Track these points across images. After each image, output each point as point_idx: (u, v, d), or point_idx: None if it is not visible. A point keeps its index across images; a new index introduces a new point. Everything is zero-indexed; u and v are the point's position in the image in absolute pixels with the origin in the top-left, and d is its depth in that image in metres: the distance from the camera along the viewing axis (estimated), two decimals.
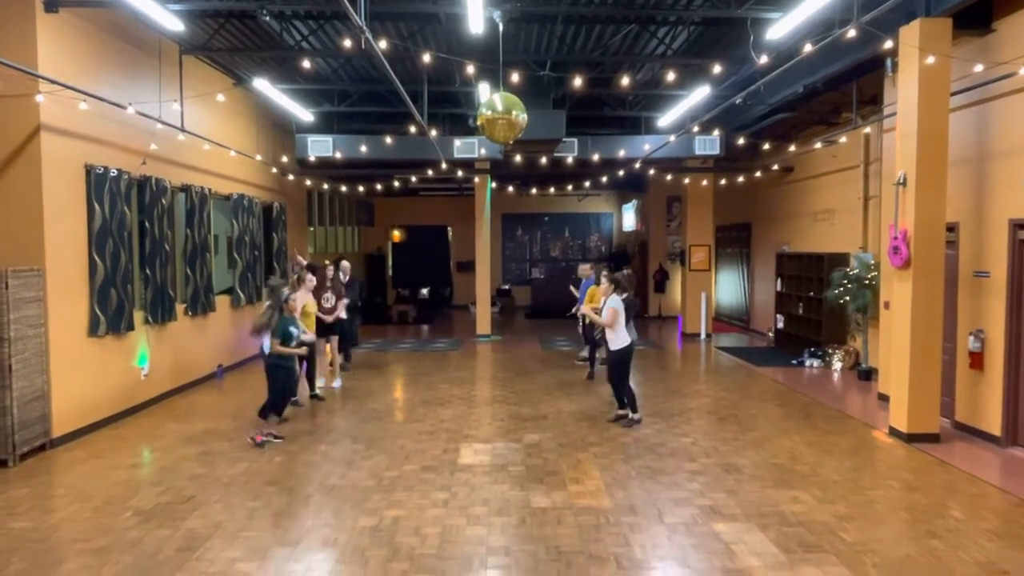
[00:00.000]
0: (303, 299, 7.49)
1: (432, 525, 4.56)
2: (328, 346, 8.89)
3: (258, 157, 10.68)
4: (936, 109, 6.21)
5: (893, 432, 6.59)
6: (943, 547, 4.24)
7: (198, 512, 4.80)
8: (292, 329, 6.46)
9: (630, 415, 6.91)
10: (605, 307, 6.97)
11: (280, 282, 7.37)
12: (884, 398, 7.71)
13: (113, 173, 7.05)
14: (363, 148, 11.38)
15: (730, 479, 5.43)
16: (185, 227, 8.84)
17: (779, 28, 6.30)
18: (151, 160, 7.81)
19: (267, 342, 6.56)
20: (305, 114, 10.05)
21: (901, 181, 6.42)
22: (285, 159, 12.06)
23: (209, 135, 8.91)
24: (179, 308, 8.59)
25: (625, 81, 8.65)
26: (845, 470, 5.63)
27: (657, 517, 4.68)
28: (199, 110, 8.85)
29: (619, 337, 6.86)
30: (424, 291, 18.87)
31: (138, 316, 7.66)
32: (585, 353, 10.32)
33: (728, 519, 4.63)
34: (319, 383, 8.42)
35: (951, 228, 6.76)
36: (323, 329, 8.43)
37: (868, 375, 9.22)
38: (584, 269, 10.76)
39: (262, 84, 8.22)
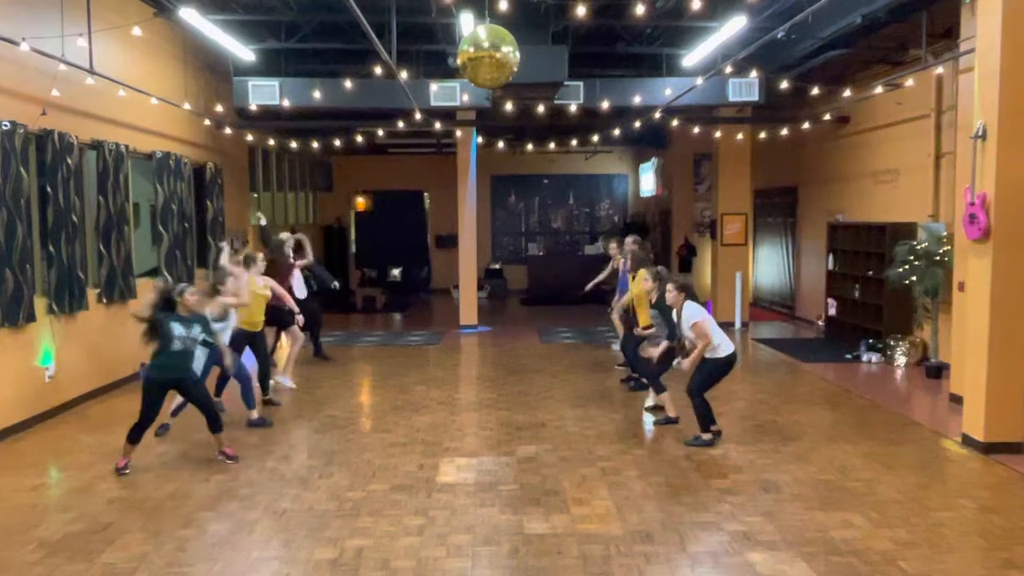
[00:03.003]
0: (243, 283, 7.52)
1: (404, 557, 4.60)
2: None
3: (187, 106, 10.60)
4: (1023, 44, 6.21)
5: (967, 441, 6.67)
6: None
7: (118, 543, 4.81)
8: (176, 330, 6.09)
9: (700, 435, 6.80)
10: (687, 320, 6.72)
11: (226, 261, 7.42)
12: (957, 400, 7.78)
13: (5, 126, 6.98)
14: (317, 94, 11.30)
15: (768, 499, 5.49)
16: (97, 193, 8.79)
17: None
18: (53, 110, 7.73)
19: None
20: (245, 52, 9.95)
21: (980, 133, 6.43)
22: (221, 108, 11.98)
23: (125, 78, 8.83)
24: (91, 294, 8.57)
25: (641, 9, 8.59)
26: (908, 488, 5.70)
27: (678, 545, 4.73)
28: (112, 47, 8.76)
29: (723, 344, 6.78)
30: (395, 272, 18.90)
31: (40, 304, 7.63)
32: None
33: (765, 547, 4.69)
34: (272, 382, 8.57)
35: None
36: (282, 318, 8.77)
37: (938, 372, 9.31)
38: (628, 246, 9.81)
39: (190, 14, 8.12)
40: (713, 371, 6.80)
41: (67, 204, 7.96)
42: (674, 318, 7.03)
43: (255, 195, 14.79)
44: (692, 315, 6.74)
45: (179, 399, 6.83)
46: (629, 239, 10.02)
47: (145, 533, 4.95)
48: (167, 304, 6.15)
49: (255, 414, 7.45)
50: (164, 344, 6.05)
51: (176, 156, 10.51)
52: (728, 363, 6.83)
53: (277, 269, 9.39)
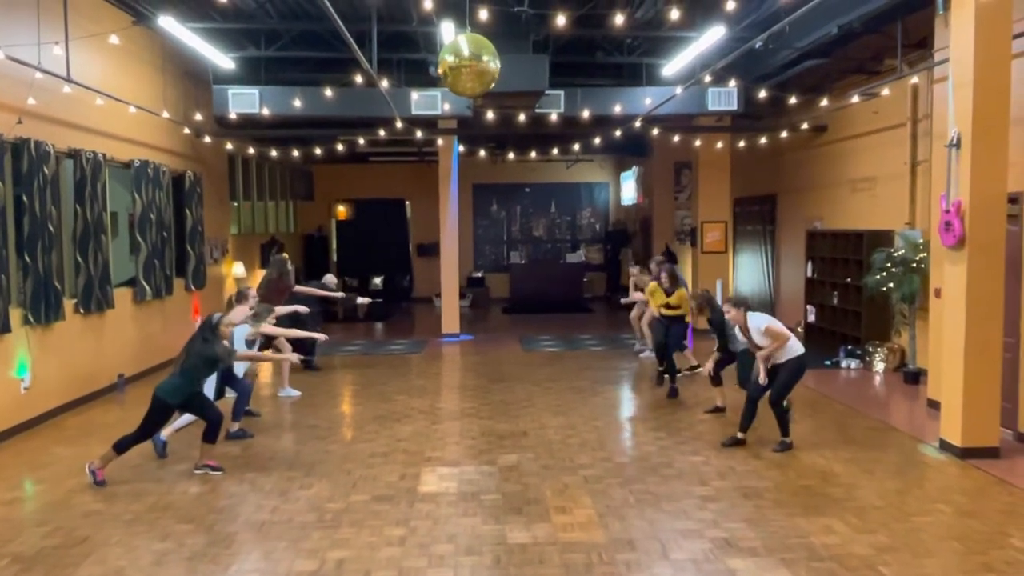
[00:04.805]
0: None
1: (386, 568, 4.57)
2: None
3: (165, 114, 10.53)
4: (995, 55, 6.31)
5: (944, 446, 6.73)
6: None
7: (94, 557, 4.75)
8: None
9: (783, 440, 6.86)
10: (757, 330, 6.76)
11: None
12: (935, 405, 7.86)
13: None
14: (297, 103, 11.26)
15: (749, 505, 5.51)
16: (74, 202, 8.70)
17: None
18: (29, 118, 7.65)
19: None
20: (224, 60, 9.90)
21: (954, 142, 6.51)
22: (200, 117, 11.91)
23: (103, 86, 8.76)
24: (68, 304, 8.47)
25: (620, 19, 8.64)
26: (887, 493, 5.75)
27: (661, 553, 4.74)
28: (89, 55, 8.70)
29: (793, 345, 6.81)
30: (377, 281, 18.84)
31: (15, 315, 7.54)
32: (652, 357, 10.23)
33: (746, 554, 4.70)
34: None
35: (1014, 199, 6.88)
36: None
37: (916, 378, 9.40)
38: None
39: (168, 22, 8.08)
40: (796, 371, 6.81)
41: (43, 213, 7.87)
42: (735, 333, 7.23)
43: (235, 204, 14.70)
44: (759, 322, 6.81)
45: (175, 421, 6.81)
46: (655, 262, 10.66)
47: (122, 547, 4.89)
48: (213, 331, 6.22)
49: (236, 426, 7.39)
50: (208, 370, 6.29)
51: (155, 164, 10.43)
52: (803, 361, 6.86)
53: (279, 287, 9.57)
